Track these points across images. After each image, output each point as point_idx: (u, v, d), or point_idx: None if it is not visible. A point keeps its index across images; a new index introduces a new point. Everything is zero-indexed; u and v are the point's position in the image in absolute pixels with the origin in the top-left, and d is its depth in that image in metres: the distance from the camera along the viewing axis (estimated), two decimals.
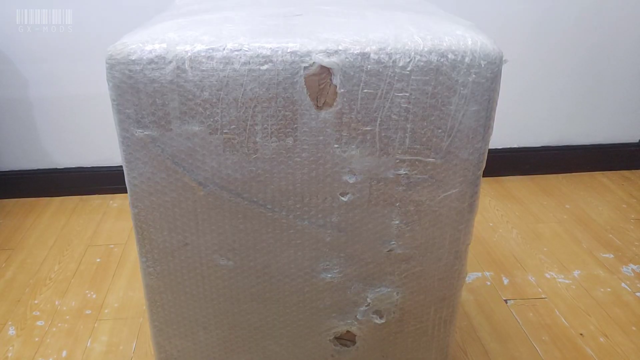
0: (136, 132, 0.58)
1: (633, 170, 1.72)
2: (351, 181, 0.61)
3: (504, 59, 0.57)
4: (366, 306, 0.70)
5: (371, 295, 0.69)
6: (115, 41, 0.56)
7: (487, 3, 1.47)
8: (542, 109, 1.64)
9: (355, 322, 0.71)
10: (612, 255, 1.28)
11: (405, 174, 0.61)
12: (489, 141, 0.61)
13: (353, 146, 0.59)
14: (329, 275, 0.67)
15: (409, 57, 0.55)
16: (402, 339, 0.73)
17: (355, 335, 0.72)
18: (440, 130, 0.58)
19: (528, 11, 1.49)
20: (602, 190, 1.61)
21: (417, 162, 0.60)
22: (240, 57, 0.54)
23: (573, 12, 1.50)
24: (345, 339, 0.73)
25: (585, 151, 1.70)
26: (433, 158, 0.60)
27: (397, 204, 0.63)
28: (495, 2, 1.47)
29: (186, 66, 0.54)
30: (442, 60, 0.55)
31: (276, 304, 0.70)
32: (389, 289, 0.69)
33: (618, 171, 1.72)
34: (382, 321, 0.71)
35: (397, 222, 0.64)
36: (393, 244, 0.65)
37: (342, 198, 0.62)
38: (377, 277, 0.68)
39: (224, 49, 0.54)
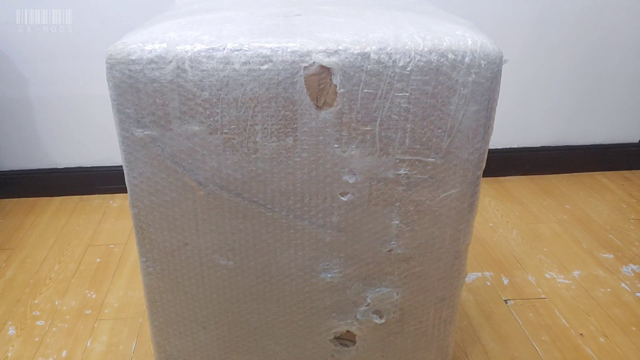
0: (136, 132, 0.58)
1: (633, 170, 1.72)
2: (351, 181, 0.61)
3: (504, 59, 0.57)
4: (366, 306, 0.70)
5: (371, 295, 0.69)
6: (115, 41, 0.56)
7: (486, 3, 1.47)
8: (542, 109, 1.63)
9: (355, 322, 0.71)
10: (612, 256, 1.28)
11: (405, 174, 0.61)
12: (489, 141, 0.61)
13: (353, 146, 0.59)
14: (329, 275, 0.67)
15: (409, 57, 0.55)
16: (402, 339, 0.73)
17: (355, 335, 0.72)
18: (440, 130, 0.58)
19: (528, 11, 1.49)
20: (602, 190, 1.60)
21: (417, 162, 0.60)
22: (240, 57, 0.54)
23: (573, 11, 1.50)
24: (345, 339, 0.73)
25: (585, 151, 1.70)
26: (433, 158, 0.60)
27: (397, 204, 0.63)
28: (494, 2, 1.47)
29: (186, 66, 0.54)
30: (442, 60, 0.55)
31: (276, 304, 0.70)
32: (389, 289, 0.69)
33: (618, 171, 1.72)
34: (382, 321, 0.71)
35: (397, 222, 0.64)
36: (393, 244, 0.65)
37: (342, 198, 0.62)
38: (377, 277, 0.68)
39: (224, 49, 0.54)
